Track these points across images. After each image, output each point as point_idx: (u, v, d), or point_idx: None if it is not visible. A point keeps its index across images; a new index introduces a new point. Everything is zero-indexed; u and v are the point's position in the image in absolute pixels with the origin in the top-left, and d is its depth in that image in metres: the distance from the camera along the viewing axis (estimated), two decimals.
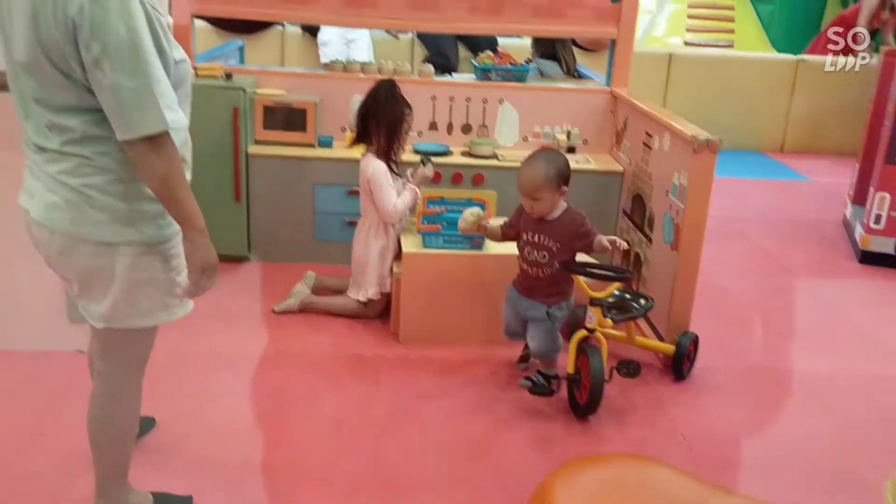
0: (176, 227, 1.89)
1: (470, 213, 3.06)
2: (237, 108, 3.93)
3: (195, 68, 4.10)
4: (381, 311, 3.62)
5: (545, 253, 2.81)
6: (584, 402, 2.83)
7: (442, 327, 3.40)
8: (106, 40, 1.62)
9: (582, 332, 2.90)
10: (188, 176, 1.88)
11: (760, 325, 3.94)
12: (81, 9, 1.60)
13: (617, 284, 2.99)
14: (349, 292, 3.64)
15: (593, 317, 2.88)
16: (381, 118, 3.48)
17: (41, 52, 1.66)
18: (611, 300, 2.99)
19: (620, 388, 3.03)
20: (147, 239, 1.87)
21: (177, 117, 1.82)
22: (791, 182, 6.82)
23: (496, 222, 3.04)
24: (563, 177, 2.78)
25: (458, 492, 2.46)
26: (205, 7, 4.20)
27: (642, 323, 3.51)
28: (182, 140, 1.89)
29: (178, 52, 1.85)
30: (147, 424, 2.57)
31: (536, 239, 2.84)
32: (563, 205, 2.88)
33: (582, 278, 2.88)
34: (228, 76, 4.06)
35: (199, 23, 4.71)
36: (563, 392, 2.95)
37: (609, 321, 2.97)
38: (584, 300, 2.93)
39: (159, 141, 1.72)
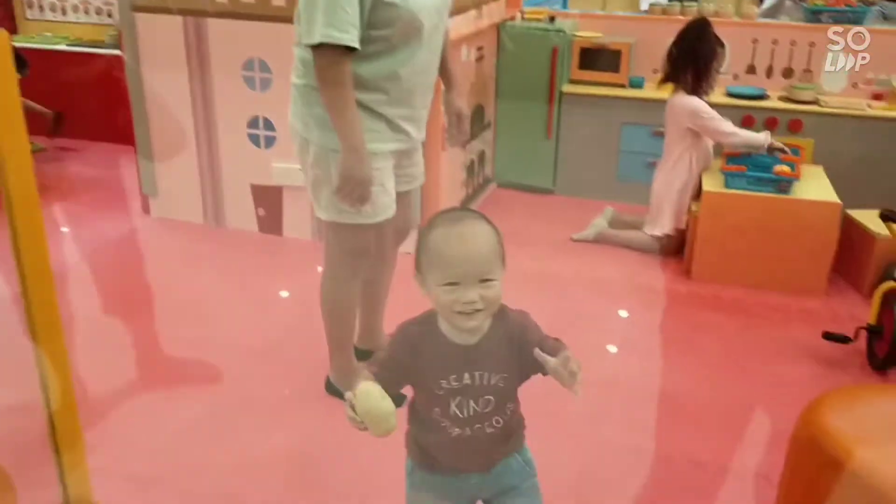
0: None
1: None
2: (556, 49, 4.19)
3: (522, 12, 4.44)
4: (675, 250, 3.70)
5: (489, 398, 1.43)
6: (883, 355, 2.70)
7: (738, 269, 3.39)
8: None
9: (890, 284, 2.74)
10: (401, 111, 2.21)
11: None
12: None
13: None
14: (645, 228, 3.77)
15: None
16: (690, 56, 3.52)
17: None
18: None
19: None
20: (325, 142, 2.21)
21: (347, 37, 2.04)
22: None
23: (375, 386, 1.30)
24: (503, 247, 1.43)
25: (720, 404, 2.54)
26: None
27: None
28: (382, 74, 2.16)
29: None
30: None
31: (469, 380, 1.41)
32: None
33: (893, 225, 2.71)
34: (552, 19, 4.34)
35: None
36: (862, 344, 2.83)
37: None
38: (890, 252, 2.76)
39: (321, 51, 2.05)
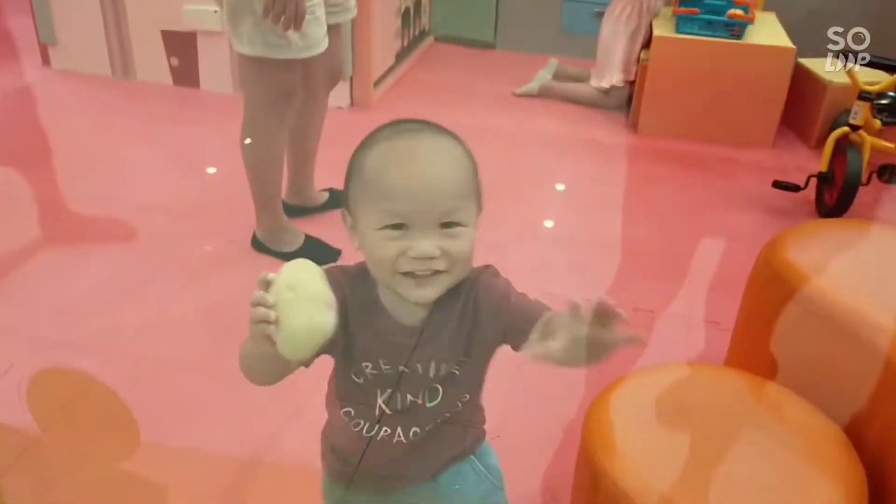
0: None
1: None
2: None
3: None
4: (621, 103, 3.53)
5: (437, 388, 0.97)
6: (832, 203, 2.63)
7: (685, 122, 3.25)
8: None
9: (843, 129, 2.64)
10: None
11: None
12: None
13: None
14: (591, 81, 3.57)
15: (859, 113, 2.60)
16: None
17: None
18: (884, 101, 2.68)
19: (877, 194, 2.76)
20: None
21: None
22: None
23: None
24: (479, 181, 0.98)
25: (669, 253, 2.46)
26: None
27: None
28: None
29: None
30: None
31: (406, 370, 0.96)
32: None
33: (855, 66, 2.56)
34: None
35: None
36: (810, 193, 2.75)
37: (878, 122, 2.67)
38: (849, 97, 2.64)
39: None
